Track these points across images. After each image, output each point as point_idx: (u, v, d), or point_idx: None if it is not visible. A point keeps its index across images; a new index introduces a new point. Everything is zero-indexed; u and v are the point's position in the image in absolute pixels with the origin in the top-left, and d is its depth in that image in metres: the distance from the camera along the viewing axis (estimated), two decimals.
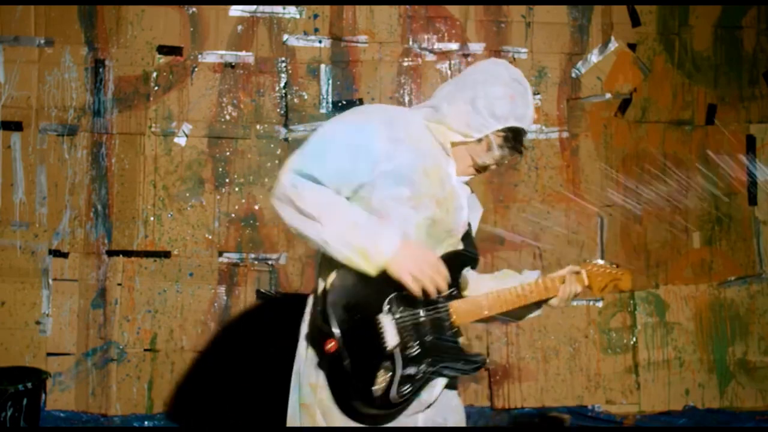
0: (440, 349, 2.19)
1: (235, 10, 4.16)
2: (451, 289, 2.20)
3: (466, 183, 2.33)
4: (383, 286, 2.12)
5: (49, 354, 4.08)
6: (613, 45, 4.31)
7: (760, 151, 4.43)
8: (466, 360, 2.22)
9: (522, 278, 2.36)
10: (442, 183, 2.22)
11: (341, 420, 2.16)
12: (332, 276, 2.14)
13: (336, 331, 2.08)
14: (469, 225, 2.34)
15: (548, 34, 4.27)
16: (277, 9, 4.17)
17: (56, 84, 4.12)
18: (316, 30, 4.19)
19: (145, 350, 4.10)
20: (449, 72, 4.23)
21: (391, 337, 2.12)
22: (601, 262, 2.38)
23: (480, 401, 4.22)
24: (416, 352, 2.15)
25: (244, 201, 4.15)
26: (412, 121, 2.23)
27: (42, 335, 4.09)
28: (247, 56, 4.16)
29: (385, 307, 2.13)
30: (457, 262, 2.23)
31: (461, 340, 2.27)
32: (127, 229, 4.13)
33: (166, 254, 4.12)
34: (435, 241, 2.21)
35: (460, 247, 2.27)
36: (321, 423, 2.19)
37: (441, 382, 2.23)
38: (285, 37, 4.18)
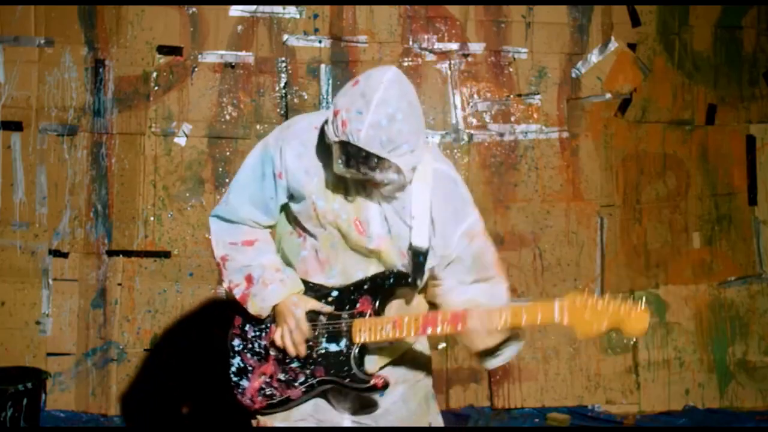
0: (328, 362, 2.14)
1: (235, 10, 4.15)
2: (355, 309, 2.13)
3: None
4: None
5: (49, 354, 4.08)
6: (613, 45, 4.31)
7: (760, 151, 4.43)
8: (354, 378, 2.11)
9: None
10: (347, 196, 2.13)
11: None
12: None
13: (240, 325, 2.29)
14: (413, 250, 2.09)
15: (548, 34, 4.27)
16: (277, 9, 4.17)
17: (56, 84, 4.12)
18: (316, 30, 4.19)
19: (145, 350, 4.10)
20: (449, 72, 4.23)
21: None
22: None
23: (480, 401, 4.22)
24: (296, 361, 2.17)
25: None
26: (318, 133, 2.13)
27: (42, 335, 4.09)
28: (247, 56, 4.16)
29: None
30: (379, 282, 2.13)
31: (370, 365, 2.15)
32: (127, 229, 4.12)
33: (166, 254, 4.12)
34: (357, 259, 2.15)
35: (402, 263, 2.12)
36: None
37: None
38: (285, 37, 4.18)
